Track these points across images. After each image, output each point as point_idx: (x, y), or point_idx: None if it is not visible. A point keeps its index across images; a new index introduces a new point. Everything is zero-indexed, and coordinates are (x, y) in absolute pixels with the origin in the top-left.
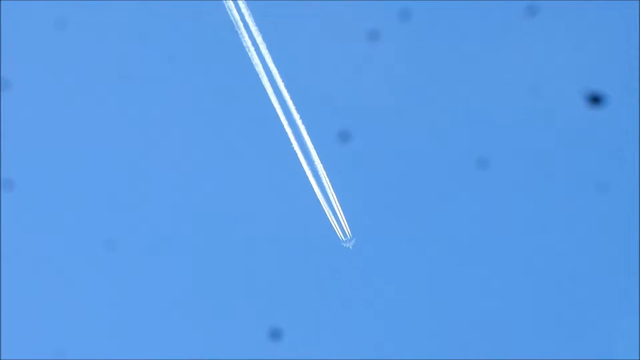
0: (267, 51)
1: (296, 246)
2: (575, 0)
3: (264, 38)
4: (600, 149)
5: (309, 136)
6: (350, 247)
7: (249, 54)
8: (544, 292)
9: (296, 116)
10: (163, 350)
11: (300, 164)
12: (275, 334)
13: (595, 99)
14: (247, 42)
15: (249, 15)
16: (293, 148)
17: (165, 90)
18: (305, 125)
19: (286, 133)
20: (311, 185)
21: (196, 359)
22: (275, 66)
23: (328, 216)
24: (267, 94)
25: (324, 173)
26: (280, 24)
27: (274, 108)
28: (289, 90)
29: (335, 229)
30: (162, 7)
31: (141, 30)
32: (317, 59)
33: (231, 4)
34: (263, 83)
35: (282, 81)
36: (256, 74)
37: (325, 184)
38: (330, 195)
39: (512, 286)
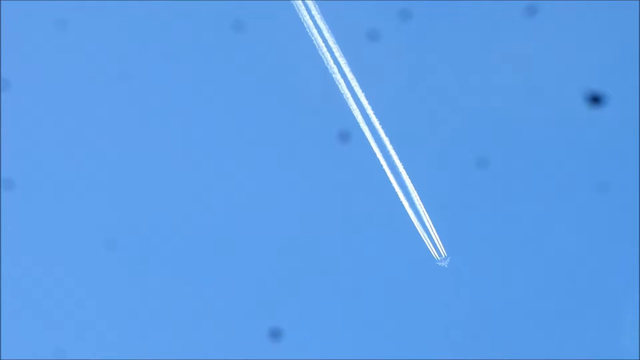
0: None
1: (392, 267)
2: (575, 0)
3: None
4: (600, 149)
5: (399, 158)
6: (446, 266)
7: (327, 64)
8: (543, 292)
9: (381, 132)
10: (164, 350)
11: (391, 185)
12: (274, 334)
13: (595, 99)
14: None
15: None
16: (384, 170)
17: (164, 89)
18: (392, 143)
19: (376, 156)
20: (403, 206)
21: (198, 358)
22: (356, 79)
23: (421, 235)
24: (349, 107)
25: (416, 194)
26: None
27: (358, 125)
28: (372, 105)
29: (430, 248)
30: (159, 6)
31: (141, 30)
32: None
33: (301, 4)
34: (345, 98)
35: (362, 92)
36: (337, 87)
37: (418, 204)
38: (422, 215)
39: (513, 286)
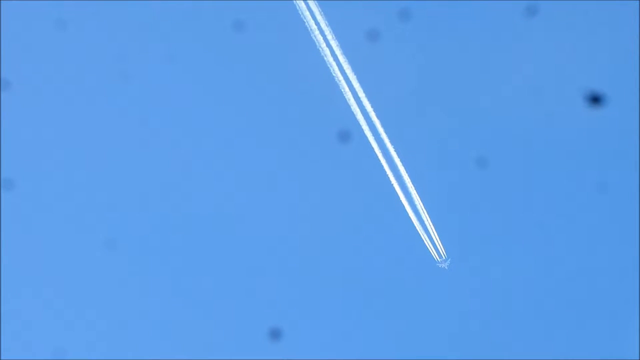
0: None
1: (392, 270)
2: (575, 0)
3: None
4: (600, 149)
5: (399, 157)
6: (446, 268)
7: (330, 67)
8: (543, 292)
9: (384, 137)
10: (164, 350)
11: (392, 185)
12: (275, 334)
13: (595, 99)
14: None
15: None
16: (387, 174)
17: (165, 89)
18: (392, 143)
19: (377, 156)
20: (404, 206)
21: (198, 358)
22: (360, 83)
23: (422, 237)
24: (352, 111)
25: (417, 196)
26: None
27: (359, 124)
28: (372, 105)
29: (430, 249)
30: (159, 6)
31: (141, 30)
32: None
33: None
34: (347, 99)
35: (365, 95)
36: (339, 90)
37: (419, 206)
38: (423, 216)
39: (513, 286)
